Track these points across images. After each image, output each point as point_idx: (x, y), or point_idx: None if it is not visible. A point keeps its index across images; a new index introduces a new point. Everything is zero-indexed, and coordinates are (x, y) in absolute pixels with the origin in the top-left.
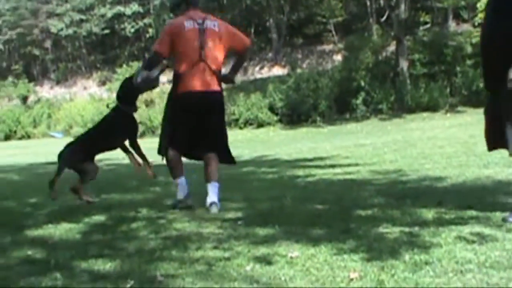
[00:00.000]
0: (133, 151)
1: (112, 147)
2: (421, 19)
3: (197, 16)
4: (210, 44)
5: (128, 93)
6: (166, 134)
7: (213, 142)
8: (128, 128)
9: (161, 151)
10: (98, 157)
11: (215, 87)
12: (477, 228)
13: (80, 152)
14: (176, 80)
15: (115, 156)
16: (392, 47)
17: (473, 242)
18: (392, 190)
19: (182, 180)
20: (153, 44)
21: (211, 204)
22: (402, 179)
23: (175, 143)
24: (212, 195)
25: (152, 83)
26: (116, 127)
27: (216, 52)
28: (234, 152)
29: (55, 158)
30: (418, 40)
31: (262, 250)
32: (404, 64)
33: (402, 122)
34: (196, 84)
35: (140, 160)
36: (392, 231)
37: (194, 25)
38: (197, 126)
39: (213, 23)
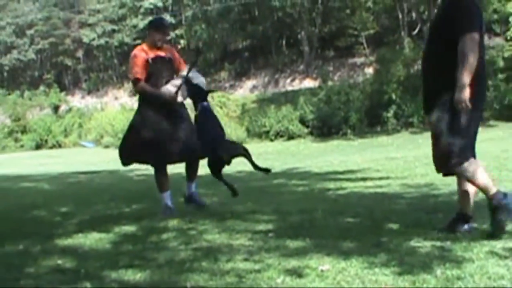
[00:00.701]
0: None
1: None
2: None
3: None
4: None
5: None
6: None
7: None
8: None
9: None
10: (129, 167)
11: None
12: (510, 244)
13: None
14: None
15: (145, 167)
16: None
17: (506, 257)
18: (424, 204)
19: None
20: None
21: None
22: (434, 193)
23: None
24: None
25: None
26: None
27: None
28: (265, 164)
29: (85, 168)
30: None
31: (293, 263)
32: None
33: None
34: None
35: None
36: (423, 245)
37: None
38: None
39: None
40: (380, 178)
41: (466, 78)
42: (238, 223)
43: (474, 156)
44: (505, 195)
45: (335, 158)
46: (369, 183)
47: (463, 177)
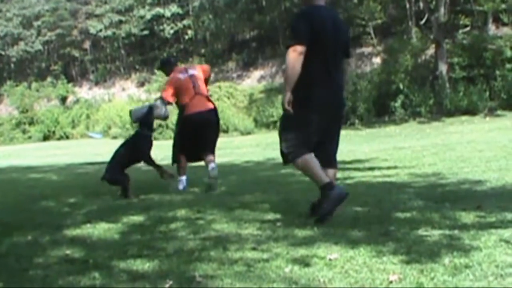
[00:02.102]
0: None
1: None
2: (461, 22)
3: (182, 69)
4: (199, 83)
5: (148, 122)
6: (177, 145)
7: (210, 147)
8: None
9: (174, 159)
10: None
11: (210, 106)
12: None
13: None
14: (182, 108)
15: (154, 157)
16: (431, 50)
17: None
18: (431, 193)
19: (183, 178)
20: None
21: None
22: (441, 182)
23: (183, 151)
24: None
25: (165, 118)
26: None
27: (202, 86)
28: (272, 154)
29: (93, 159)
30: (458, 44)
31: (301, 252)
32: (443, 68)
33: (441, 126)
34: (196, 108)
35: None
36: (431, 234)
37: (185, 75)
38: (198, 136)
39: (193, 70)
40: (388, 168)
41: (286, 86)
42: (246, 213)
43: (309, 151)
44: (333, 187)
45: (343, 147)
46: (377, 173)
47: (298, 170)
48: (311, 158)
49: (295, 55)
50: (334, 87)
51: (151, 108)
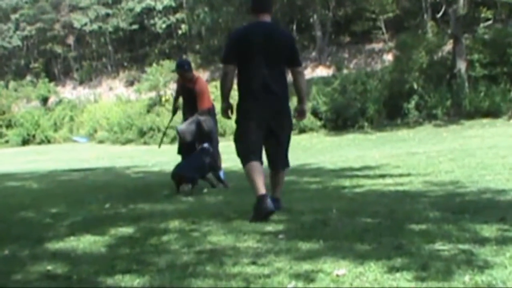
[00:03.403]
0: None
1: None
2: (482, 15)
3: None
4: None
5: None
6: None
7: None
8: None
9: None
10: (125, 164)
11: None
12: None
13: None
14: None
15: (144, 163)
16: (448, 46)
17: None
18: (449, 203)
19: None
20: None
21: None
22: (460, 192)
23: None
24: None
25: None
26: None
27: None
28: None
29: (78, 165)
30: (478, 39)
31: (305, 267)
32: (462, 65)
33: (459, 129)
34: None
35: None
36: (449, 249)
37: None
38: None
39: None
40: (401, 175)
41: (221, 98)
42: (245, 224)
43: (256, 160)
44: (263, 202)
45: (351, 153)
46: (388, 181)
47: None
48: (255, 167)
49: (221, 74)
50: (271, 99)
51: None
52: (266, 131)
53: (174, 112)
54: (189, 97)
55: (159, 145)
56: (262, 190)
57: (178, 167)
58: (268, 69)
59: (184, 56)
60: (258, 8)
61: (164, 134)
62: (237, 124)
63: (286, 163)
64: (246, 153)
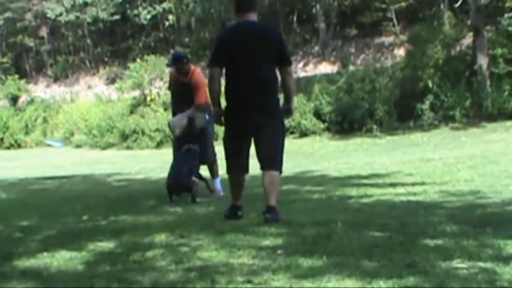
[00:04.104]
0: None
1: None
2: (506, 5)
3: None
4: None
5: None
6: None
7: None
8: None
9: None
10: (106, 171)
11: None
12: None
13: None
14: None
15: (127, 171)
16: (468, 40)
17: None
18: (468, 215)
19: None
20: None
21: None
22: (481, 203)
23: None
24: None
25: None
26: None
27: None
28: None
29: (53, 172)
30: (502, 31)
31: (307, 286)
32: (483, 61)
33: (480, 133)
34: None
35: None
36: (468, 267)
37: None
38: None
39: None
40: (414, 184)
41: (211, 103)
42: (239, 238)
43: (239, 171)
44: (234, 213)
45: (358, 159)
46: (400, 190)
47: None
48: (237, 181)
49: (209, 77)
50: (259, 101)
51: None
52: (255, 135)
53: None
54: (183, 92)
55: None
56: (238, 201)
57: (172, 176)
58: (256, 70)
59: (172, 50)
60: (242, 8)
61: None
62: (225, 128)
63: (277, 165)
64: (231, 162)
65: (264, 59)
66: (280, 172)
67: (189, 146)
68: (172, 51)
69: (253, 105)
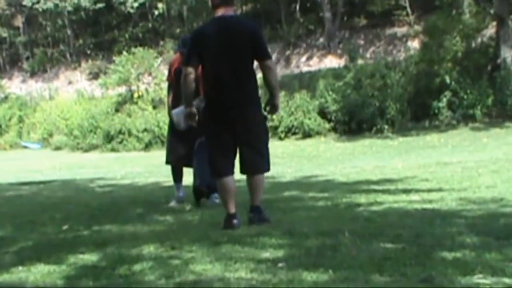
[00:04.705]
0: None
1: None
2: None
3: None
4: None
5: None
6: None
7: None
8: None
9: None
10: (88, 175)
11: None
12: None
13: None
14: None
15: (112, 175)
16: (490, 30)
17: None
18: (491, 226)
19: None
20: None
21: None
22: (505, 211)
23: None
24: None
25: None
26: None
27: None
28: (272, 170)
29: (29, 177)
30: None
31: None
32: (507, 54)
33: (504, 133)
34: None
35: None
36: (491, 283)
37: None
38: None
39: None
40: (430, 191)
41: (184, 102)
42: (236, 249)
43: (226, 174)
44: (230, 221)
45: (367, 163)
46: (414, 197)
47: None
48: (225, 185)
49: (183, 76)
50: (235, 100)
51: None
52: (235, 135)
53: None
54: None
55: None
56: (231, 209)
57: (200, 177)
58: (231, 67)
59: (161, 42)
60: (217, 2)
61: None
62: (205, 131)
63: (262, 166)
64: (215, 166)
65: (239, 55)
66: (268, 169)
67: (202, 140)
68: (161, 42)
69: (229, 102)
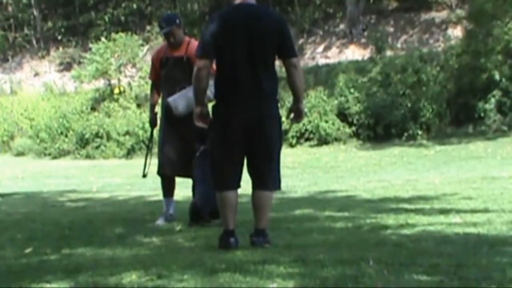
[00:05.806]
0: None
1: None
2: None
3: None
4: None
5: None
6: None
7: None
8: None
9: None
10: (58, 187)
11: None
12: None
13: None
14: None
15: (86, 187)
16: None
17: None
18: None
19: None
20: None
21: None
22: None
23: None
24: None
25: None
26: None
27: None
28: (281, 183)
29: None
30: None
31: None
32: None
33: None
34: None
35: None
36: None
37: None
38: None
39: None
40: (473, 211)
41: (194, 100)
42: (237, 279)
43: (229, 188)
44: (227, 239)
45: (397, 176)
46: (454, 219)
47: None
48: (227, 200)
49: (195, 70)
50: (253, 102)
51: None
52: (248, 143)
53: (154, 118)
54: (176, 71)
55: (144, 172)
56: (230, 225)
57: (203, 201)
58: (252, 64)
59: (148, 27)
60: None
61: (148, 152)
62: (212, 133)
63: (273, 183)
64: (219, 177)
65: (261, 50)
66: (279, 187)
67: (204, 148)
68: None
69: (244, 105)
